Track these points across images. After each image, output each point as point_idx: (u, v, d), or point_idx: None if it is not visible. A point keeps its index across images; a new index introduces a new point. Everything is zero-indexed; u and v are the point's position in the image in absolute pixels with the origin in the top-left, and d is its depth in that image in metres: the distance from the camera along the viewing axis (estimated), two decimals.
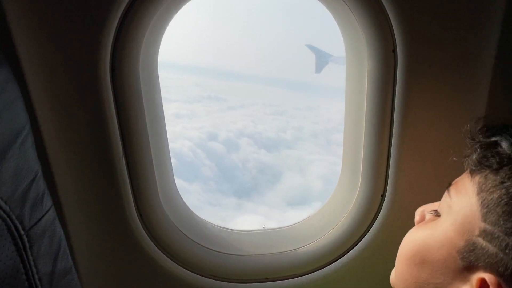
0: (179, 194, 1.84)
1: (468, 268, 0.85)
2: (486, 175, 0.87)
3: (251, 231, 1.91)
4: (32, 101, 1.30)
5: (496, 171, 0.84)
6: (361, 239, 1.68)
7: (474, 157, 0.92)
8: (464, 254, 0.86)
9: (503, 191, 0.81)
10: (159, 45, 1.64)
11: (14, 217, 1.04)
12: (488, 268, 0.82)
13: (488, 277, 0.81)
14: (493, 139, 0.89)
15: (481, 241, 0.83)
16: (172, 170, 1.82)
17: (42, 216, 1.15)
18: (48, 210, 1.18)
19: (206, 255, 1.74)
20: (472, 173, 0.92)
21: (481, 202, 0.85)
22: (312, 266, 1.73)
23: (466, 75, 1.41)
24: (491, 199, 0.83)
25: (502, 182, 0.82)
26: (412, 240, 1.04)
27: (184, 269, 1.70)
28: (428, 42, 1.38)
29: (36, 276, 1.10)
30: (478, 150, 0.92)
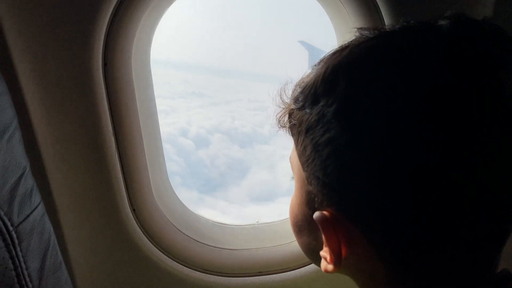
0: (172, 189, 1.84)
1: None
2: (293, 133, 0.87)
3: (244, 225, 1.91)
4: (23, 96, 1.29)
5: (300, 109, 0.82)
6: None
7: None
8: (307, 204, 0.84)
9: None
10: (152, 40, 1.63)
11: (2, 213, 1.04)
12: (324, 207, 0.78)
13: (320, 214, 0.77)
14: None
15: (309, 187, 0.81)
16: (165, 165, 1.82)
17: (31, 212, 1.15)
18: (37, 206, 1.18)
19: (200, 249, 1.74)
20: (289, 134, 0.92)
21: (298, 156, 0.84)
22: (305, 259, 1.72)
23: None
24: (300, 149, 0.81)
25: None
26: (289, 208, 1.01)
27: (177, 263, 1.70)
28: None
29: (25, 272, 1.11)
30: (283, 113, 0.94)
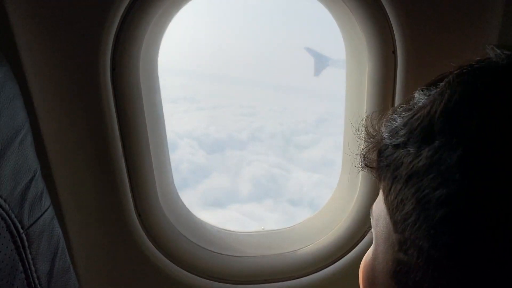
0: (178, 195, 1.84)
1: None
2: (384, 176, 0.66)
3: (250, 232, 1.91)
4: (32, 100, 1.30)
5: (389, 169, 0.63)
6: (360, 241, 1.68)
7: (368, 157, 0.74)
8: (395, 277, 0.64)
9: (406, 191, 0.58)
10: (159, 45, 1.64)
11: (13, 216, 1.04)
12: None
13: None
14: (376, 133, 0.71)
15: (402, 256, 0.61)
16: (171, 170, 1.82)
17: (41, 215, 1.15)
18: (47, 209, 1.18)
19: (205, 256, 1.74)
20: (376, 176, 0.72)
21: (388, 209, 0.64)
22: (311, 268, 1.73)
23: None
24: (395, 202, 0.61)
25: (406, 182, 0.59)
26: (362, 266, 0.84)
27: (182, 270, 1.70)
28: (429, 43, 1.39)
29: (34, 275, 1.11)
30: (369, 149, 0.73)
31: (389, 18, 1.39)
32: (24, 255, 1.07)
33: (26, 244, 1.07)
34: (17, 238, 1.05)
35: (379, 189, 1.64)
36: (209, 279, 1.71)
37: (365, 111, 1.59)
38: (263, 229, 1.90)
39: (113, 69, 1.40)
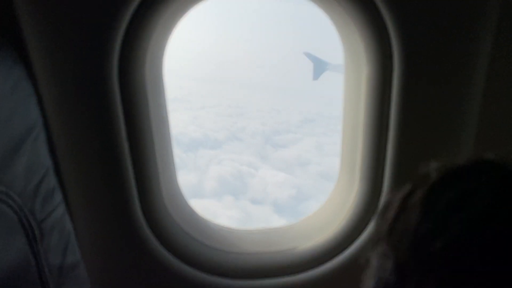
0: (182, 193, 1.88)
1: None
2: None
3: (251, 229, 1.95)
4: (42, 100, 1.34)
5: None
6: (358, 238, 1.72)
7: None
8: None
9: None
10: (166, 48, 1.68)
11: (26, 210, 1.08)
12: None
13: None
14: None
15: None
16: (175, 170, 1.86)
17: (53, 210, 1.19)
18: (58, 205, 1.23)
19: (207, 252, 1.78)
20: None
21: None
22: (310, 264, 1.77)
23: (462, 79, 1.47)
24: None
25: None
26: None
27: (186, 266, 1.73)
28: (425, 47, 1.43)
29: (46, 269, 1.15)
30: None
31: (386, 22, 1.43)
32: (36, 248, 1.12)
33: (38, 238, 1.12)
34: (30, 232, 1.09)
35: (377, 189, 1.68)
36: (211, 275, 1.75)
37: (362, 112, 1.63)
38: (263, 227, 1.94)
39: (120, 70, 1.44)
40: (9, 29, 1.24)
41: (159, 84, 1.67)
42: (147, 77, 1.54)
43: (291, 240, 1.86)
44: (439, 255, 0.59)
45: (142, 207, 1.65)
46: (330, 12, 1.67)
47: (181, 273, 1.73)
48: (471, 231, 0.58)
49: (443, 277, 0.59)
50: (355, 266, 1.74)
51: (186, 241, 1.77)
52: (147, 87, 1.55)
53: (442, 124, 1.53)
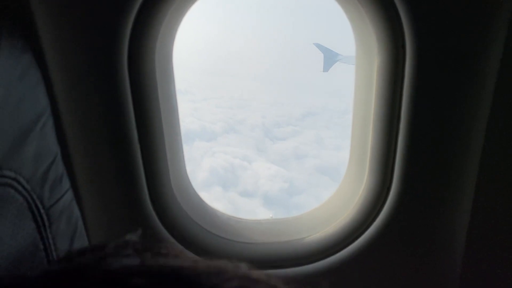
0: (190, 183, 1.89)
1: None
2: None
3: (259, 220, 1.96)
4: (53, 87, 1.35)
5: None
6: (366, 231, 1.73)
7: None
8: None
9: None
10: (175, 37, 1.68)
11: (34, 196, 1.09)
12: None
13: None
14: None
15: None
16: (184, 159, 1.87)
17: (61, 197, 1.20)
18: (67, 191, 1.24)
19: (216, 242, 1.79)
20: None
21: None
22: (318, 255, 1.77)
23: (473, 70, 1.45)
24: None
25: None
26: None
27: (194, 255, 1.74)
28: (438, 37, 1.42)
29: (54, 254, 1.16)
30: None
31: (399, 12, 1.42)
32: (44, 233, 1.12)
33: (47, 223, 1.13)
34: (38, 218, 1.10)
35: (386, 181, 1.68)
36: None
37: (373, 104, 1.63)
38: (271, 217, 1.95)
39: (130, 58, 1.45)
40: (18, 17, 1.25)
41: (168, 73, 1.68)
42: (157, 65, 1.55)
43: (299, 231, 1.87)
44: None
45: (151, 195, 1.67)
46: (341, 1, 1.66)
47: None
48: None
49: None
50: (363, 258, 1.75)
51: (195, 231, 1.78)
52: (156, 76, 1.55)
53: (454, 117, 1.52)
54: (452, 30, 1.41)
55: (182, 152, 1.86)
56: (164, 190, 1.70)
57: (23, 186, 1.05)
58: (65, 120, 1.44)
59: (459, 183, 1.61)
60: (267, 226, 1.93)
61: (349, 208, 1.79)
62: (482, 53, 1.43)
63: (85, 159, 1.53)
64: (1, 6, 1.15)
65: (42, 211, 1.11)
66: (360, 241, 1.74)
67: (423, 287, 1.81)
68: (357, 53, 1.75)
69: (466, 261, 1.69)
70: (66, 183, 1.24)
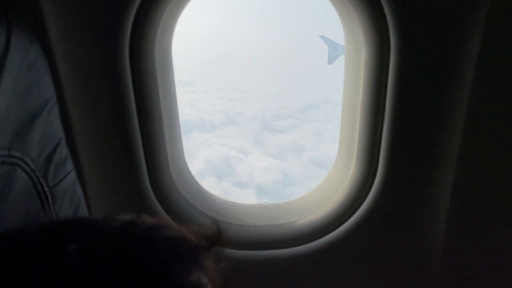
0: (188, 168, 2.00)
1: None
2: None
3: (253, 204, 2.06)
4: (59, 76, 1.45)
5: None
6: (353, 214, 1.82)
7: None
8: None
9: None
10: (174, 30, 1.77)
11: (39, 176, 1.20)
12: None
13: None
14: None
15: None
16: (182, 145, 1.97)
17: (64, 177, 1.31)
18: (70, 172, 1.35)
19: None
20: None
21: None
22: (307, 237, 1.87)
23: (452, 64, 1.53)
24: None
25: None
26: None
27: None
28: (419, 34, 1.49)
29: None
30: None
31: (384, 10, 1.50)
32: (48, 210, 1.24)
33: (51, 201, 1.24)
34: (43, 195, 1.22)
35: (372, 168, 1.76)
36: None
37: (360, 96, 1.71)
38: (264, 202, 2.05)
39: (131, 49, 1.54)
40: (28, 11, 1.36)
41: (167, 64, 1.77)
42: (157, 56, 1.64)
43: (291, 214, 1.97)
44: None
45: (150, 179, 1.77)
46: (336, 5, 1.74)
47: None
48: None
49: None
50: (350, 240, 1.85)
51: (192, 213, 1.88)
52: (156, 66, 1.65)
53: (435, 108, 1.60)
54: (433, 27, 1.48)
55: (180, 138, 1.96)
56: (163, 174, 1.80)
57: (29, 166, 1.16)
58: (70, 107, 1.54)
59: (440, 170, 1.69)
60: (261, 210, 2.03)
61: (338, 194, 1.88)
62: (459, 48, 1.51)
63: (88, 144, 1.63)
64: (12, 1, 1.25)
65: (46, 189, 1.23)
66: (347, 224, 1.83)
67: (405, 265, 1.90)
68: (346, 48, 1.83)
69: (446, 241, 1.78)
70: (69, 165, 1.35)
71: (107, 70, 1.54)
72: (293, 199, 2.08)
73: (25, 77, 1.18)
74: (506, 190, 1.68)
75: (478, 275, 1.84)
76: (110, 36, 1.49)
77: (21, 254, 0.77)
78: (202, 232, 0.90)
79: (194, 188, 1.99)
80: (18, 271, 0.74)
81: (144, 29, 1.54)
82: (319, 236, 1.87)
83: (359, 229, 1.83)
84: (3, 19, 1.12)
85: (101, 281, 0.71)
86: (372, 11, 1.53)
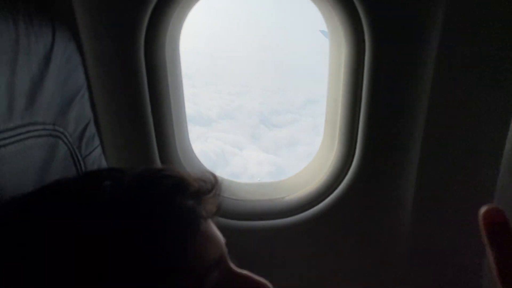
0: (192, 148, 2.25)
1: None
2: None
3: (248, 183, 2.31)
4: (88, 68, 1.69)
5: None
6: (335, 191, 2.05)
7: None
8: None
9: None
10: (181, 28, 2.00)
11: (75, 147, 1.47)
12: None
13: None
14: None
15: None
16: (187, 128, 2.22)
17: (93, 150, 1.58)
18: (96, 147, 1.61)
19: None
20: None
21: None
22: (296, 210, 2.10)
23: (417, 59, 1.75)
24: None
25: None
26: None
27: None
28: (390, 34, 1.71)
29: None
30: None
31: (359, 13, 1.71)
32: None
33: (83, 168, 1.51)
34: (77, 164, 1.48)
35: (351, 151, 2.01)
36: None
37: (341, 87, 1.96)
38: (259, 180, 2.29)
39: (146, 44, 1.77)
40: (65, 14, 1.62)
41: (176, 57, 1.99)
42: (167, 50, 1.87)
43: (281, 191, 2.21)
44: None
45: (161, 157, 1.99)
46: (318, 3, 1.98)
47: None
48: None
49: None
50: (332, 213, 2.06)
51: None
52: (166, 58, 1.87)
53: (403, 98, 1.82)
54: (400, 28, 1.70)
55: (186, 124, 2.21)
56: (171, 153, 2.03)
57: (67, 139, 1.43)
58: (96, 94, 1.77)
59: (408, 150, 1.92)
60: (255, 187, 2.27)
61: (323, 173, 2.12)
62: (422, 48, 1.72)
63: (110, 125, 1.87)
64: (54, 8, 1.53)
65: (80, 158, 1.49)
66: (330, 198, 2.06)
67: (378, 237, 2.12)
68: (330, 45, 2.08)
69: (415, 214, 2.01)
70: (96, 141, 1.63)
71: (125, 64, 1.77)
72: (283, 178, 2.33)
73: (64, 67, 1.45)
74: (468, 170, 1.89)
75: (445, 245, 2.06)
76: (128, 35, 1.72)
77: (65, 189, 1.00)
78: (202, 178, 1.13)
79: (197, 166, 2.24)
80: (62, 204, 0.95)
81: (156, 28, 1.76)
82: (306, 209, 2.09)
83: (340, 203, 2.04)
84: (49, 23, 1.40)
85: (127, 203, 0.94)
86: (349, 14, 1.74)
